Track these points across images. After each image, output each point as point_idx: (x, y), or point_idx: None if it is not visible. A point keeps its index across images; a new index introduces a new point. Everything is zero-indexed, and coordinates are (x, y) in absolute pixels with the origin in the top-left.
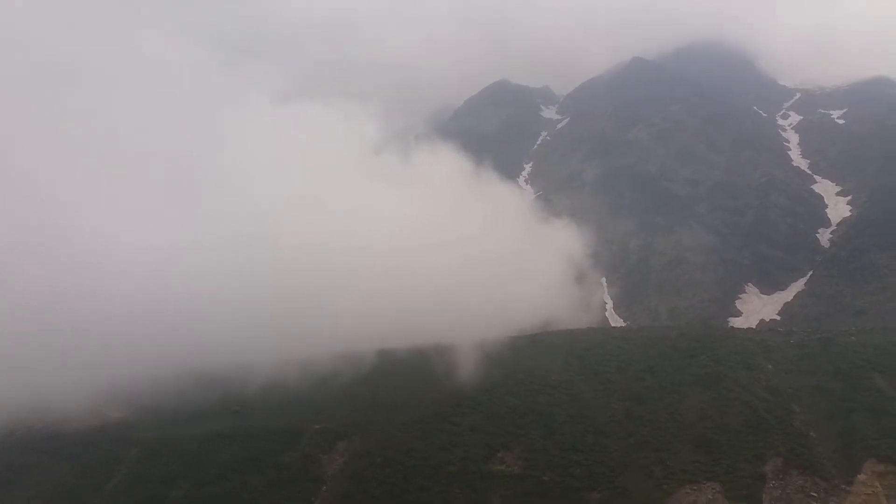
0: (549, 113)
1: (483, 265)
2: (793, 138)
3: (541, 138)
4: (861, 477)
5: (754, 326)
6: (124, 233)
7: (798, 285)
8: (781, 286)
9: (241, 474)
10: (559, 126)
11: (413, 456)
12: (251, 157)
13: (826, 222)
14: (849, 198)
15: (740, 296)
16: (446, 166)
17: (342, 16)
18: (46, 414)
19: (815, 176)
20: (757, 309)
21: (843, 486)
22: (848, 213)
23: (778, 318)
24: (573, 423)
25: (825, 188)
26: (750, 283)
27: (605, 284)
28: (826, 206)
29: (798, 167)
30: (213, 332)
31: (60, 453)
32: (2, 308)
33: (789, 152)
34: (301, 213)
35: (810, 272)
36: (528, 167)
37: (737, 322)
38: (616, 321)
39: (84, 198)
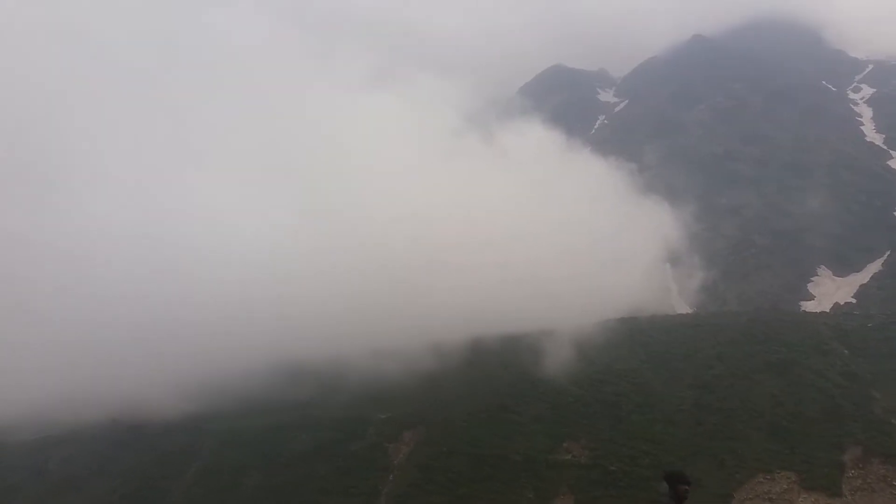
0: (607, 96)
1: (576, 246)
2: (865, 112)
3: (598, 122)
4: None
5: (828, 310)
6: (214, 224)
7: (875, 266)
8: (857, 268)
9: (310, 463)
10: (617, 109)
11: (478, 445)
12: (337, 144)
13: None
14: None
15: (812, 279)
16: (534, 143)
17: (390, 5)
18: (133, 407)
19: (891, 151)
20: (830, 292)
21: None
22: None
23: (853, 301)
24: (640, 413)
25: None
26: (822, 266)
27: (669, 269)
28: None
29: (872, 143)
30: (305, 323)
31: (141, 445)
32: (93, 303)
33: (862, 127)
34: (391, 200)
35: (888, 252)
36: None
37: (809, 306)
38: (681, 307)
39: (171, 188)
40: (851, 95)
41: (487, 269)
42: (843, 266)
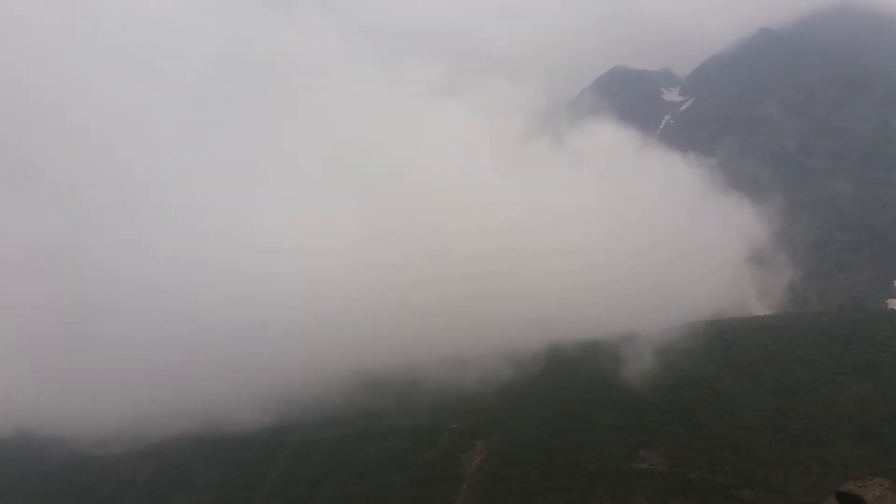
0: (671, 95)
1: (652, 247)
2: None
3: (664, 122)
4: None
5: None
6: (287, 237)
7: None
8: None
9: (383, 474)
10: (683, 108)
11: (552, 454)
12: (408, 154)
13: None
14: None
15: None
16: (605, 144)
17: (452, 14)
18: (214, 421)
19: None
20: None
21: None
22: None
23: None
24: (719, 419)
25: None
26: None
27: (747, 270)
28: None
29: None
30: (380, 334)
31: (222, 457)
32: (176, 323)
33: None
34: (465, 208)
35: None
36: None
37: None
38: (759, 309)
39: (245, 202)
40: None
41: (565, 274)
42: None
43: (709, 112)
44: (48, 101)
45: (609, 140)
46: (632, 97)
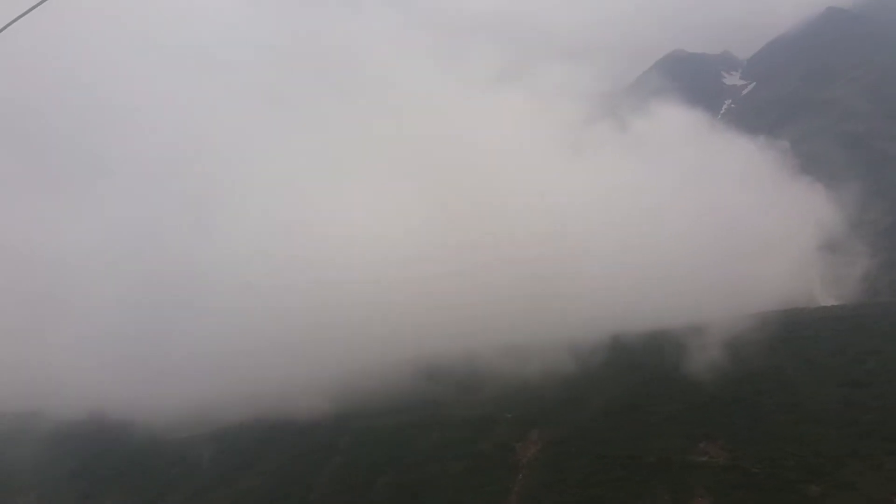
0: (732, 79)
1: (721, 234)
2: None
3: (725, 106)
4: None
5: None
6: (351, 223)
7: None
8: None
9: (440, 461)
10: (745, 92)
11: (609, 445)
12: (469, 141)
13: None
14: None
15: None
16: (671, 127)
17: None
18: (276, 407)
19: None
20: None
21: None
22: None
23: None
24: (783, 412)
25: None
26: None
27: (814, 259)
28: None
29: None
30: (441, 322)
31: (283, 442)
32: (239, 306)
33: None
34: (526, 196)
35: None
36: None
37: None
38: (826, 299)
39: (306, 191)
40: None
41: (629, 262)
42: None
43: (772, 96)
44: (124, 98)
45: (674, 123)
46: (692, 81)
